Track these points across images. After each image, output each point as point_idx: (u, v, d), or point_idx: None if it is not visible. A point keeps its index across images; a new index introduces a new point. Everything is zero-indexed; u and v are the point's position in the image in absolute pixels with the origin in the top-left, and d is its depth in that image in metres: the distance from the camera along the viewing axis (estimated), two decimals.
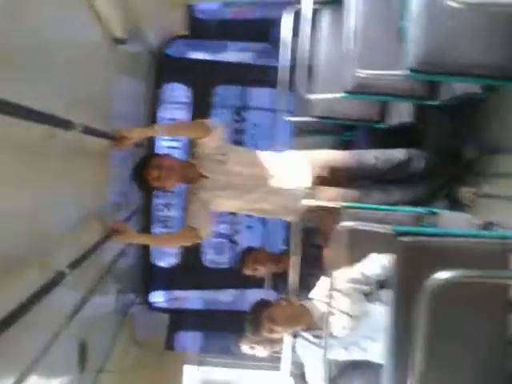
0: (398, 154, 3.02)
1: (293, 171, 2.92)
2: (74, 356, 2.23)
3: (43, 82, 1.57)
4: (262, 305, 2.53)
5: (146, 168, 2.76)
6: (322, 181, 2.95)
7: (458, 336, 1.76)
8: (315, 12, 3.30)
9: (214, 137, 2.78)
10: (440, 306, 1.56)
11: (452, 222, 2.75)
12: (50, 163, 1.66)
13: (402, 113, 3.10)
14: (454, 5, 1.30)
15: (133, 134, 2.65)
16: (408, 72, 1.97)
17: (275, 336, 2.48)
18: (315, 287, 2.68)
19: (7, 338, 1.25)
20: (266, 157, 2.96)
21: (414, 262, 1.75)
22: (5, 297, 1.34)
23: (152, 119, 4.53)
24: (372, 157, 3.01)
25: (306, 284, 3.38)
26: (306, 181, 2.91)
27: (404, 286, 1.75)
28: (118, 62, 2.87)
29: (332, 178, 2.97)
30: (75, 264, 1.78)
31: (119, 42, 2.61)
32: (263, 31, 4.50)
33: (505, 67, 1.85)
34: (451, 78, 2.19)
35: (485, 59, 1.86)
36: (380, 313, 2.29)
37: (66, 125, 1.62)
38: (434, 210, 2.81)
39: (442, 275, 1.40)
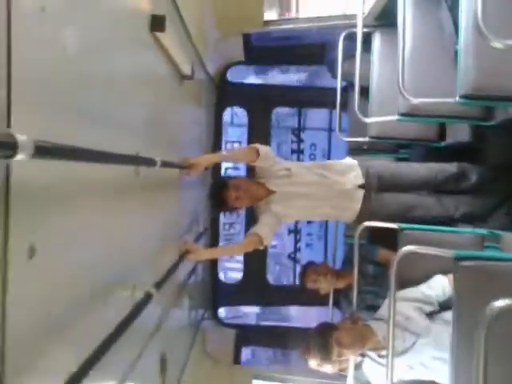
0: (451, 167, 3.14)
1: (348, 173, 3.14)
2: (156, 367, 2.43)
3: (127, 125, 1.78)
4: (328, 328, 2.61)
5: (225, 190, 3.05)
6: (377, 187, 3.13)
7: None
8: (370, 35, 3.43)
9: (263, 159, 3.03)
10: (502, 332, 1.63)
11: None
12: (134, 197, 1.87)
13: (459, 132, 3.14)
14: (499, 46, 1.40)
15: (201, 161, 2.94)
16: (459, 99, 2.06)
17: (343, 358, 2.54)
18: (380, 308, 2.76)
19: (108, 355, 1.37)
20: (325, 164, 3.24)
21: (474, 287, 1.77)
22: (104, 317, 1.51)
23: (217, 142, 4.81)
24: (426, 168, 3.15)
25: (365, 302, 3.49)
26: (357, 180, 3.11)
27: (465, 310, 1.77)
28: (185, 96, 3.11)
29: (387, 184, 3.13)
30: (159, 284, 1.98)
31: (185, 77, 2.84)
32: (319, 54, 4.64)
33: None
34: (501, 104, 2.25)
35: None
36: (443, 332, 2.34)
37: (148, 162, 1.84)
38: (496, 231, 2.84)
39: (502, 303, 1.41)
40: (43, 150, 0.82)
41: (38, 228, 1.03)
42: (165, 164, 2.01)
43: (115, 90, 1.63)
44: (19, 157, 0.75)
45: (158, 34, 2.01)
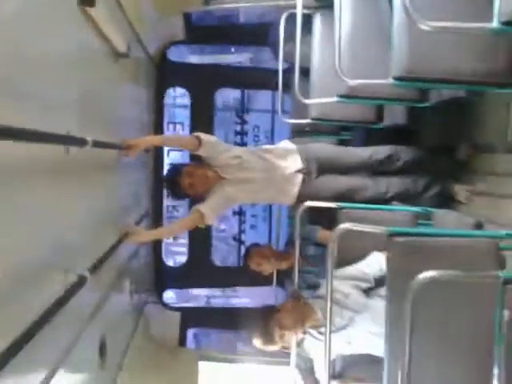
0: (383, 149, 3.25)
1: (288, 158, 3.19)
2: (95, 353, 2.39)
3: (57, 103, 1.72)
4: (269, 311, 2.62)
5: (179, 177, 3.02)
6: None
7: (446, 332, 1.82)
8: (310, 16, 3.43)
9: (205, 149, 3.02)
10: (429, 303, 1.69)
11: (445, 221, 2.87)
12: (65, 177, 1.81)
13: (395, 114, 3.24)
14: (425, 28, 1.43)
15: (140, 143, 2.90)
16: (392, 80, 2.10)
17: (285, 339, 2.56)
18: (320, 287, 2.81)
19: (39, 337, 1.36)
20: (266, 149, 3.30)
21: (405, 261, 1.82)
22: (35, 300, 1.47)
23: (158, 123, 4.73)
24: (361, 151, 3.28)
25: (307, 282, 3.57)
26: (297, 165, 3.17)
27: (396, 285, 1.83)
28: (122, 74, 3.03)
29: (326, 167, 3.21)
30: (95, 267, 1.94)
31: (121, 55, 2.76)
32: (262, 34, 4.62)
33: (478, 75, 1.97)
34: (432, 85, 2.32)
35: (460, 67, 1.97)
36: (379, 308, 2.37)
37: (78, 142, 1.78)
38: (429, 209, 2.95)
39: (426, 275, 1.48)
40: None
41: None
42: (97, 144, 1.95)
43: (44, 68, 1.58)
44: None
45: (88, 8, 1.93)
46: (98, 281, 2.11)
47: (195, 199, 3.24)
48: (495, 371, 1.45)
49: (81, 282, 1.74)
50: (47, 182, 1.59)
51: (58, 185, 1.72)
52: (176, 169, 3.21)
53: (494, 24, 1.51)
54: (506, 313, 1.39)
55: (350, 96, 2.68)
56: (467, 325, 1.83)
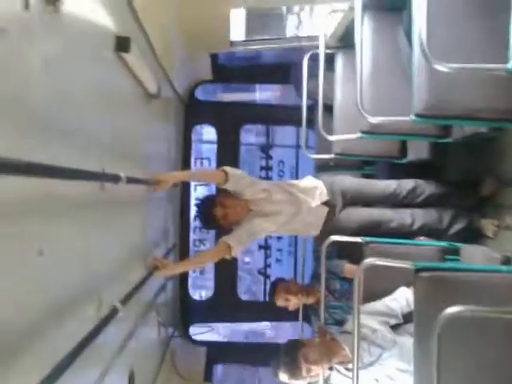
0: (407, 183, 3.29)
1: (313, 191, 3.25)
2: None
3: (93, 142, 1.82)
4: (295, 346, 2.61)
5: (213, 208, 3.09)
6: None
7: (474, 371, 1.79)
8: (333, 55, 3.55)
9: (232, 183, 3.08)
10: (456, 339, 1.68)
11: (472, 256, 2.84)
12: (100, 212, 1.90)
13: (419, 149, 3.25)
14: (442, 69, 1.49)
15: (168, 178, 2.97)
16: (413, 117, 2.14)
17: (312, 373, 2.55)
18: (346, 322, 2.81)
19: (72, 369, 1.38)
20: (291, 183, 3.35)
21: (432, 296, 1.81)
22: (69, 332, 1.52)
23: (186, 159, 4.87)
24: (385, 184, 3.31)
25: (333, 317, 3.55)
26: (323, 197, 3.23)
27: (423, 320, 1.81)
28: (153, 114, 3.17)
29: (351, 199, 3.25)
30: (125, 300, 2.00)
31: (152, 96, 2.90)
32: (286, 73, 4.75)
33: (497, 112, 2.01)
34: (452, 122, 2.36)
35: (479, 105, 2.02)
36: (407, 344, 2.38)
37: (113, 178, 1.88)
38: (455, 244, 2.94)
39: (452, 310, 1.48)
40: (2, 165, 0.85)
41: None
42: (130, 180, 2.04)
43: (82, 109, 1.68)
44: None
45: (123, 54, 2.06)
46: (127, 313, 2.16)
47: (222, 231, 3.29)
48: None
49: (113, 313, 1.80)
50: (83, 216, 1.68)
51: (93, 219, 1.80)
52: (209, 199, 3.29)
53: (510, 65, 1.55)
54: None
55: (372, 132, 2.73)
56: (495, 363, 1.81)
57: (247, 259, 6.76)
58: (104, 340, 1.80)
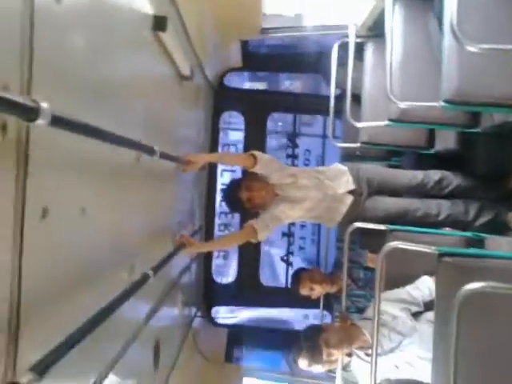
0: (434, 174, 3.28)
1: (340, 178, 3.26)
2: (150, 354, 2.52)
3: (130, 116, 1.90)
4: (316, 331, 2.64)
5: (238, 190, 3.15)
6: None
7: (495, 354, 1.77)
8: (362, 44, 3.56)
9: (260, 166, 3.13)
10: (476, 320, 1.67)
11: (497, 246, 2.81)
12: (134, 181, 1.99)
13: (446, 139, 3.22)
14: (473, 50, 1.52)
15: (198, 159, 3.05)
16: (442, 103, 2.15)
17: (332, 358, 2.57)
18: (366, 309, 2.84)
19: (101, 330, 1.42)
20: (318, 169, 3.37)
21: (454, 282, 1.74)
22: (102, 293, 1.59)
23: (213, 144, 4.93)
24: (412, 174, 3.30)
25: (356, 305, 3.59)
26: (348, 186, 3.23)
27: (444, 305, 1.78)
28: (185, 96, 3.24)
29: (377, 188, 3.26)
30: (156, 268, 2.08)
31: (185, 78, 2.97)
32: (315, 62, 4.77)
33: None
34: (482, 109, 2.34)
35: (510, 91, 2.01)
36: (427, 332, 2.37)
37: (149, 150, 1.95)
38: (480, 234, 2.91)
39: (472, 286, 1.47)
40: (61, 120, 0.93)
41: (52, 192, 1.14)
42: (163, 156, 2.12)
43: (122, 85, 1.76)
44: (40, 121, 0.86)
45: (160, 33, 2.13)
46: (155, 285, 2.23)
47: (249, 214, 3.35)
48: None
49: (144, 279, 1.88)
50: (121, 184, 1.76)
51: (129, 188, 1.89)
52: (236, 182, 3.35)
53: None
54: None
55: (400, 120, 2.74)
56: None
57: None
58: (133, 308, 1.88)
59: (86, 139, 1.18)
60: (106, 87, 1.59)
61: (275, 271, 6.94)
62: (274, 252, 7.21)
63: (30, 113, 0.84)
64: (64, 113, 0.98)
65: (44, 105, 0.86)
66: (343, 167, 3.38)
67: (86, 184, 1.39)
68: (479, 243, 2.90)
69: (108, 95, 1.61)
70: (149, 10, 2.08)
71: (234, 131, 6.40)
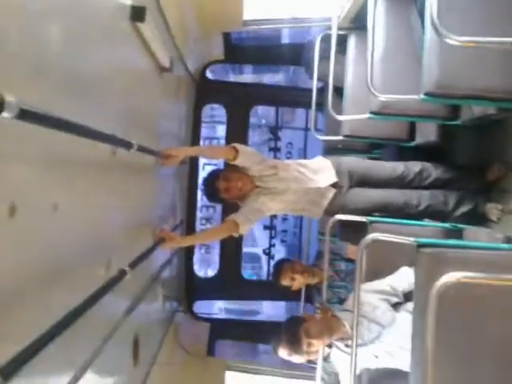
0: (414, 165, 3.29)
1: (322, 172, 3.26)
2: (128, 349, 2.49)
3: (106, 108, 1.86)
4: (297, 321, 2.64)
5: (216, 180, 3.13)
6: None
7: (473, 342, 1.79)
8: (345, 36, 3.55)
9: (242, 159, 3.09)
10: (453, 310, 1.69)
11: (475, 237, 2.86)
12: (110, 176, 1.95)
13: (427, 132, 3.24)
14: (453, 43, 1.51)
15: (178, 152, 2.99)
16: (423, 96, 2.15)
17: (312, 349, 2.57)
18: (347, 299, 2.84)
19: (76, 328, 1.40)
20: (301, 162, 3.35)
21: (433, 272, 1.76)
22: (78, 290, 1.56)
23: (194, 137, 4.89)
24: (392, 166, 3.31)
25: (338, 296, 3.60)
26: (331, 179, 3.23)
27: (423, 295, 1.77)
28: (164, 88, 3.19)
29: (357, 180, 3.27)
30: (133, 264, 2.05)
31: (165, 70, 2.92)
32: (297, 54, 4.76)
33: (507, 92, 2.02)
34: (461, 101, 2.36)
35: (490, 84, 2.03)
36: (407, 322, 2.36)
37: (125, 144, 1.92)
38: (459, 225, 2.96)
39: (450, 276, 1.49)
40: (27, 113, 0.90)
41: (20, 189, 1.11)
42: (141, 149, 2.08)
43: (98, 76, 1.72)
44: (5, 114, 0.82)
45: (138, 24, 2.09)
46: (134, 280, 2.20)
47: (230, 207, 3.33)
48: None
49: (121, 275, 1.85)
50: (96, 178, 1.72)
51: (105, 182, 1.85)
52: (214, 173, 3.32)
53: None
54: None
55: (381, 113, 2.74)
56: (493, 336, 1.80)
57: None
58: (111, 304, 1.85)
59: (57, 132, 1.14)
60: (81, 79, 1.55)
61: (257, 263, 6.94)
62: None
63: None
64: (32, 106, 0.95)
65: (10, 98, 0.82)
66: (326, 160, 3.38)
67: (58, 179, 1.35)
68: (458, 234, 2.94)
69: (84, 87, 1.58)
70: (127, 0, 2.04)
71: (216, 124, 6.38)
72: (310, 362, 2.75)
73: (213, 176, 3.25)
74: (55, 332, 1.24)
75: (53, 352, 1.23)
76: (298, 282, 3.65)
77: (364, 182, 3.30)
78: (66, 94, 1.41)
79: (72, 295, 1.49)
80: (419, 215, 3.18)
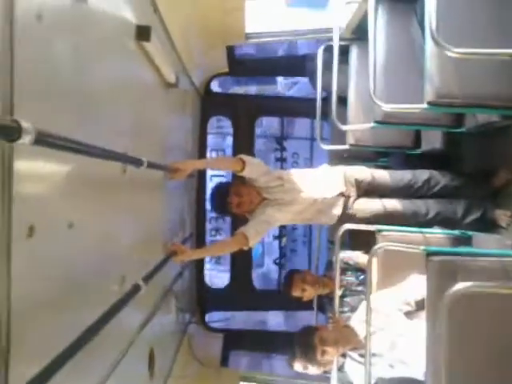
0: (422, 173, 3.30)
1: (329, 181, 3.28)
2: (144, 364, 2.52)
3: (115, 127, 1.91)
4: (311, 330, 2.67)
5: (227, 195, 3.16)
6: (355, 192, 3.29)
7: (487, 349, 1.81)
8: (347, 47, 3.59)
9: (249, 170, 3.13)
10: (466, 318, 1.72)
11: (484, 243, 2.88)
12: (121, 193, 1.99)
13: (432, 139, 3.28)
14: (452, 55, 1.55)
15: (186, 166, 3.05)
16: (426, 105, 2.19)
17: (327, 358, 2.59)
18: (359, 308, 2.84)
19: (94, 343, 1.42)
20: (307, 171, 3.40)
21: (443, 281, 1.81)
22: (93, 306, 1.60)
23: (201, 150, 4.95)
24: (400, 175, 3.33)
25: (350, 305, 3.60)
26: (339, 188, 3.25)
27: (435, 303, 1.80)
28: (171, 103, 3.25)
29: (365, 190, 3.28)
30: (147, 278, 2.09)
31: (170, 85, 2.97)
32: (301, 65, 4.80)
33: (508, 99, 2.05)
34: (464, 110, 2.41)
35: (490, 92, 2.06)
36: (420, 330, 2.39)
37: (136, 162, 1.96)
38: (467, 232, 2.96)
39: (459, 287, 1.52)
40: (44, 138, 0.94)
41: (37, 210, 1.15)
42: (151, 165, 2.12)
43: (106, 95, 1.76)
44: (22, 140, 0.87)
45: (144, 43, 2.14)
46: (148, 294, 2.24)
47: (238, 218, 3.35)
48: None
49: (135, 290, 1.89)
50: (107, 196, 1.76)
51: (115, 200, 1.89)
52: (223, 187, 3.36)
53: None
54: None
55: (385, 122, 2.78)
56: (504, 342, 1.83)
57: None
58: (126, 318, 1.88)
59: (70, 154, 1.19)
60: (90, 99, 1.59)
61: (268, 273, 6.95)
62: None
63: (11, 133, 0.84)
64: (48, 130, 0.99)
65: (25, 124, 0.86)
66: (332, 169, 3.41)
67: (73, 199, 1.39)
68: (467, 241, 2.94)
69: (93, 107, 1.62)
70: (132, 19, 2.09)
71: (222, 136, 6.44)
72: (324, 372, 2.76)
73: (222, 190, 3.29)
74: (74, 350, 1.27)
75: (71, 369, 1.25)
76: (308, 293, 3.63)
77: (371, 191, 3.31)
78: (78, 114, 1.45)
79: (88, 312, 1.52)
80: (428, 224, 3.19)
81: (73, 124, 1.39)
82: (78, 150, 1.19)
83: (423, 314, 2.42)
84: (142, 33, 2.12)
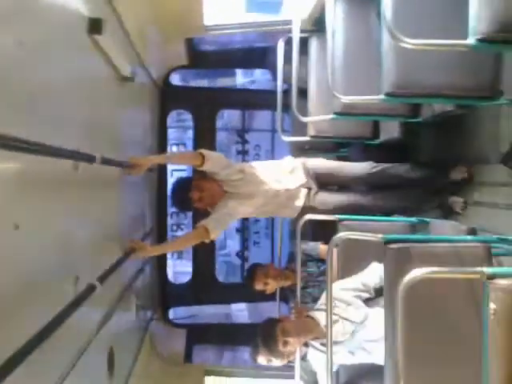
0: (382, 164, 3.37)
1: (291, 173, 3.30)
2: (104, 364, 2.47)
3: (66, 123, 1.84)
4: (272, 322, 2.69)
5: (189, 191, 3.14)
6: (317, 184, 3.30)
7: (441, 332, 1.87)
8: (307, 39, 3.58)
9: (209, 164, 3.10)
10: (421, 303, 1.75)
11: (441, 229, 2.93)
12: (73, 192, 1.92)
13: (390, 130, 3.33)
14: (406, 46, 1.55)
15: (144, 161, 2.99)
16: (383, 96, 2.21)
17: (289, 348, 2.60)
18: (320, 298, 2.87)
19: (49, 344, 1.40)
20: (269, 164, 3.41)
21: (401, 267, 1.82)
22: (46, 307, 1.56)
23: (161, 144, 4.86)
24: (359, 166, 3.39)
25: (312, 296, 3.64)
26: (301, 179, 3.26)
27: (393, 290, 1.79)
28: (126, 97, 3.17)
29: (325, 182, 3.29)
30: (103, 278, 2.03)
31: (127, 79, 2.90)
32: (261, 58, 4.78)
33: (462, 89, 2.09)
34: (420, 100, 2.43)
35: (445, 82, 2.09)
36: (379, 317, 2.40)
37: (88, 158, 1.90)
38: (426, 219, 3.03)
39: (416, 272, 1.53)
40: None
41: None
42: (105, 161, 2.07)
43: (57, 90, 1.70)
44: None
45: (96, 36, 2.07)
46: (105, 293, 2.19)
47: (198, 214, 3.33)
48: (484, 364, 1.48)
49: (90, 290, 1.83)
50: (58, 194, 1.70)
51: (68, 198, 1.83)
52: (184, 182, 3.33)
53: (471, 41, 1.61)
54: (491, 306, 1.45)
55: (344, 113, 2.79)
56: (460, 324, 1.89)
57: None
58: (82, 318, 1.83)
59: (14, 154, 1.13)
60: (39, 93, 1.53)
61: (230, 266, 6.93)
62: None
63: None
64: None
65: None
66: (295, 161, 3.41)
67: (18, 199, 1.33)
68: (424, 227, 3.00)
69: (42, 101, 1.56)
70: (84, 12, 2.02)
71: (183, 130, 6.36)
72: (288, 361, 2.76)
73: (183, 185, 3.26)
74: (26, 352, 1.24)
75: (25, 371, 1.23)
76: (271, 286, 3.68)
77: (331, 182, 3.34)
78: (26, 109, 1.40)
79: (40, 313, 1.48)
80: (388, 213, 3.25)
81: (19, 118, 1.33)
82: (23, 148, 1.13)
83: (382, 301, 2.48)
84: (94, 25, 2.06)
